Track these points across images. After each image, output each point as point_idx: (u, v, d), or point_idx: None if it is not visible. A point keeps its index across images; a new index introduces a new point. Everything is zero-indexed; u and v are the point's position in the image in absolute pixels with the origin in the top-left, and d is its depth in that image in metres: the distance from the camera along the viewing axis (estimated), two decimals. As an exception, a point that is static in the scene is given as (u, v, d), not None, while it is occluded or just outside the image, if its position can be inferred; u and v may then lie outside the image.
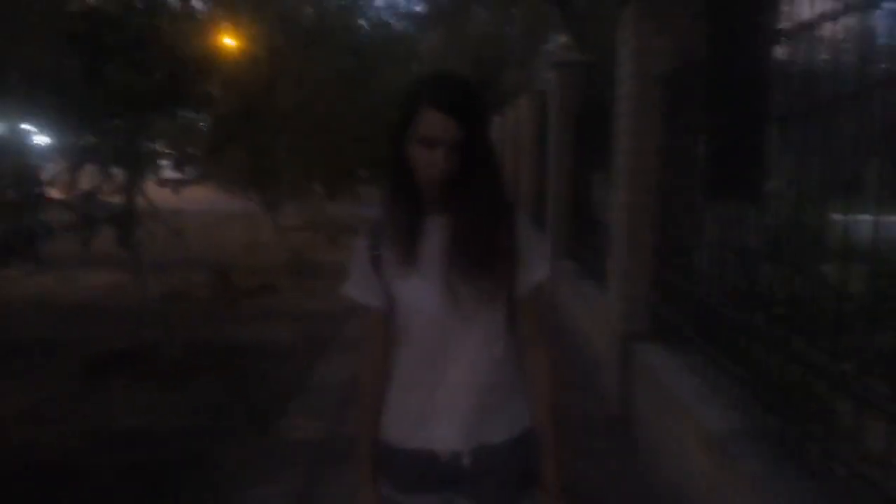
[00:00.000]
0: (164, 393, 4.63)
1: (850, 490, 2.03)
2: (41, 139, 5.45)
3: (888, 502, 1.84)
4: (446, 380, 1.48)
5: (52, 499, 3.27)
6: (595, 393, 4.57)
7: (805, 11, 2.46)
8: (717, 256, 3.21)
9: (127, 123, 4.26)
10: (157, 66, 4.07)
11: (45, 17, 4.10)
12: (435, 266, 1.44)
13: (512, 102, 12.79)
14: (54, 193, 4.70)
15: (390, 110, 11.06)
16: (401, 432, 1.53)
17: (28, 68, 3.43)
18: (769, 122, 2.91)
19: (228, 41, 6.70)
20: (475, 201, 1.42)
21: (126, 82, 3.73)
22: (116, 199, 5.01)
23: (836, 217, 2.23)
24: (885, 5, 2.08)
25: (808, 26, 2.38)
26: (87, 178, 4.97)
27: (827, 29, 2.27)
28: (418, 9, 15.22)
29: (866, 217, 2.04)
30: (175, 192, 5.74)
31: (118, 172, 4.84)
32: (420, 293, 1.46)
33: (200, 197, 9.92)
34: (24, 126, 4.63)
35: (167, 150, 5.64)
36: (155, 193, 5.27)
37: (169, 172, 5.79)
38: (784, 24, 2.74)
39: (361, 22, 10.13)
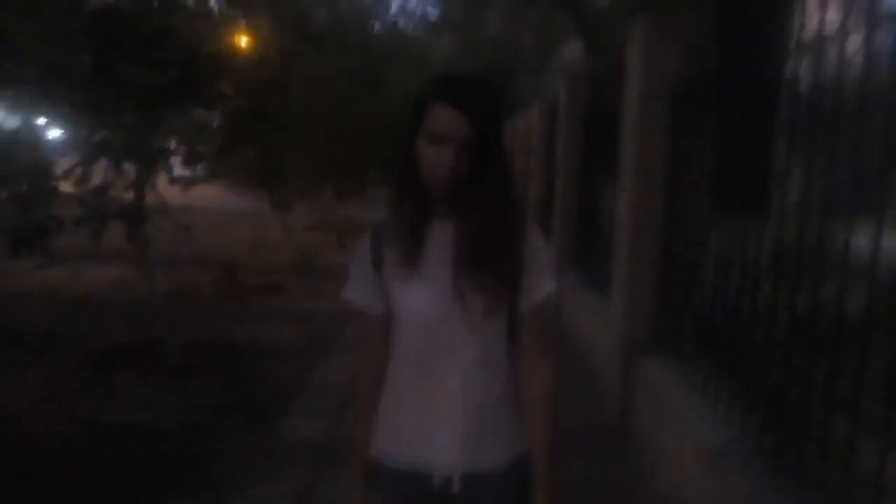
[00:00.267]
0: (167, 389, 4.66)
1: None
2: (54, 133, 5.51)
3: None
4: (441, 392, 1.42)
5: (52, 490, 3.30)
6: (594, 402, 4.57)
7: (819, 24, 2.46)
8: (720, 271, 3.21)
9: (139, 120, 4.31)
10: (169, 64, 4.11)
11: (61, 14, 4.16)
12: (438, 270, 1.39)
13: (523, 109, 12.82)
14: (66, 187, 4.76)
15: (400, 113, 11.10)
16: (392, 449, 1.48)
17: (44, 63, 3.47)
18: (778, 136, 2.90)
19: (242, 41, 6.76)
20: (485, 204, 1.37)
21: (137, 79, 3.77)
22: (127, 195, 5.06)
23: (845, 233, 2.22)
24: None
25: (824, 39, 2.37)
26: (99, 173, 5.03)
27: (843, 41, 2.26)
28: (431, 14, 15.29)
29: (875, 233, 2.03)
30: (185, 189, 5.79)
31: (129, 168, 4.89)
32: (419, 297, 1.41)
33: (210, 195, 9.99)
34: (38, 120, 4.69)
35: (178, 148, 5.69)
36: (165, 190, 5.32)
37: (179, 170, 5.84)
38: (798, 37, 2.73)
39: (374, 24, 10.19)
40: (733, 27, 3.93)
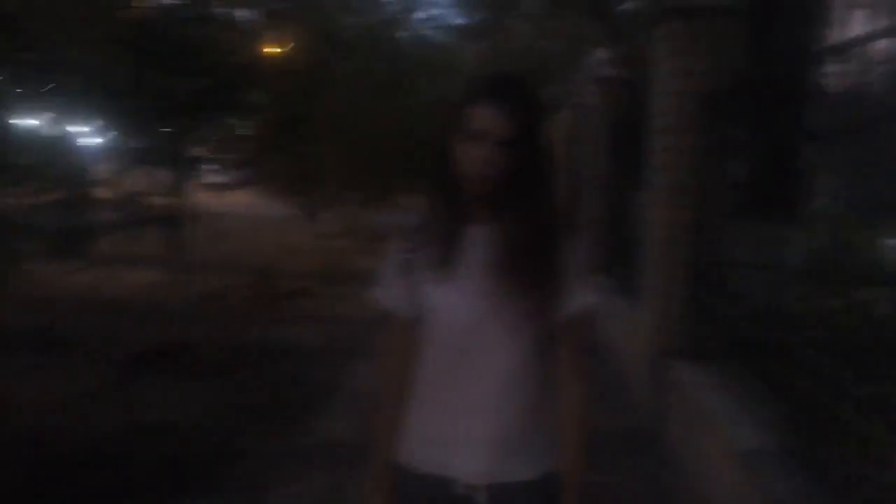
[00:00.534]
0: (201, 390, 4.76)
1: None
2: (91, 140, 5.68)
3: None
4: (469, 402, 1.38)
5: (90, 486, 3.40)
6: (626, 407, 4.56)
7: (853, 31, 2.45)
8: (752, 275, 3.20)
9: (174, 128, 4.43)
10: (203, 74, 4.23)
11: (97, 25, 4.30)
12: (472, 275, 1.35)
13: (551, 116, 12.82)
14: (104, 193, 4.91)
15: (427, 120, 11.22)
16: (418, 454, 1.44)
17: (87, 73, 3.60)
18: (811, 142, 2.89)
19: (274, 51, 6.89)
20: (526, 206, 1.33)
21: (169, 88, 3.89)
22: (163, 201, 5.20)
23: (883, 240, 2.21)
24: None
25: (857, 45, 2.35)
26: (136, 179, 5.18)
27: (873, 47, 2.25)
28: (460, 21, 15.36)
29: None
30: (218, 195, 5.92)
31: (165, 175, 5.03)
32: (452, 301, 1.37)
33: (241, 201, 10.17)
34: (74, 128, 4.84)
35: (213, 155, 5.83)
36: (199, 197, 5.45)
37: (213, 177, 5.98)
38: (829, 44, 2.72)
39: (403, 34, 10.30)
40: (763, 34, 3.91)
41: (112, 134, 4.97)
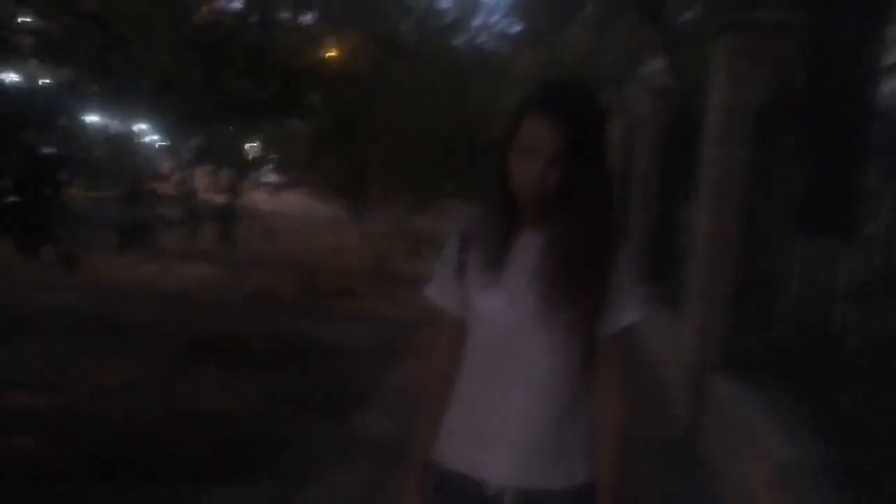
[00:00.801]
0: (248, 380, 4.94)
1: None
2: (153, 138, 5.94)
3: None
4: (505, 405, 1.38)
5: (146, 465, 3.58)
6: (664, 418, 4.54)
7: None
8: (803, 292, 3.16)
9: (238, 128, 4.62)
10: (270, 76, 4.41)
11: (173, 28, 4.53)
12: (520, 282, 1.36)
13: (610, 124, 12.74)
14: (165, 190, 5.13)
15: (479, 126, 11.33)
16: (451, 452, 1.46)
17: (159, 74, 3.81)
18: (868, 158, 2.85)
19: (333, 55, 7.09)
20: (576, 220, 1.32)
21: (241, 90, 4.07)
22: (219, 199, 5.41)
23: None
24: None
25: None
26: (196, 177, 5.40)
27: None
28: (514, 29, 15.44)
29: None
30: (273, 195, 6.12)
31: (225, 173, 5.24)
32: (495, 305, 1.38)
33: (293, 201, 10.43)
34: (139, 126, 5.08)
35: (272, 155, 6.03)
36: (254, 196, 5.66)
37: (268, 177, 6.18)
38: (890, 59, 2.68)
39: (459, 40, 10.42)
40: (822, 48, 3.87)
41: (177, 134, 5.19)
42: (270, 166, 5.81)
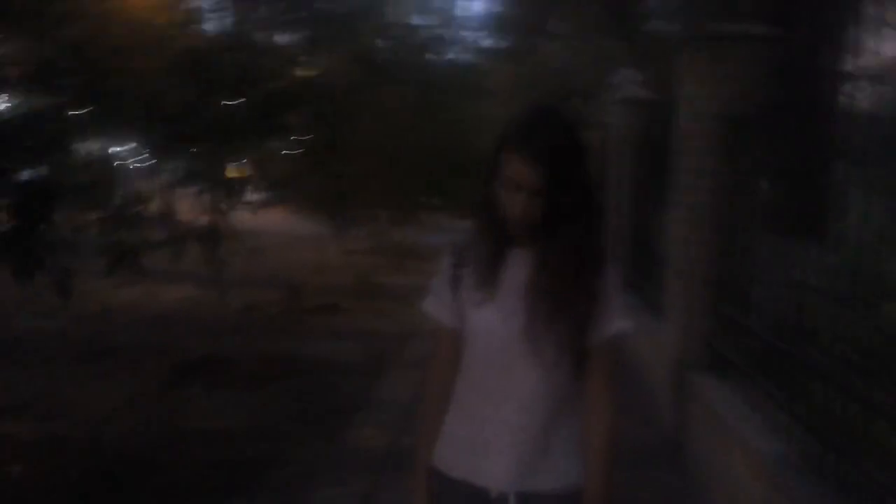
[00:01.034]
0: (239, 399, 4.97)
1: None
2: (132, 161, 5.97)
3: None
4: (499, 415, 1.46)
5: (136, 487, 3.60)
6: (649, 420, 4.65)
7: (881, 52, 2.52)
8: (776, 292, 3.28)
9: (222, 151, 4.68)
10: (253, 98, 4.48)
11: (153, 54, 4.58)
12: (512, 299, 1.44)
13: (590, 150, 12.93)
14: (149, 212, 5.16)
15: (459, 140, 11.47)
16: (451, 459, 1.52)
17: (145, 99, 3.87)
18: (835, 161, 2.95)
19: (310, 74, 7.17)
20: (563, 246, 1.40)
21: (227, 113, 4.14)
22: (203, 219, 5.46)
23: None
24: None
25: (880, 66, 2.42)
26: (179, 198, 5.45)
27: None
28: (490, 44, 15.62)
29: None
30: (254, 213, 6.17)
31: (206, 194, 5.29)
32: (490, 323, 1.45)
33: (274, 219, 10.46)
34: (119, 149, 5.12)
35: (250, 176, 6.09)
36: (236, 215, 5.71)
37: (249, 196, 6.23)
38: (853, 64, 2.78)
39: (435, 57, 10.57)
40: (791, 58, 4.01)
41: (151, 155, 5.23)
42: (254, 186, 5.86)
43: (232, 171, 5.61)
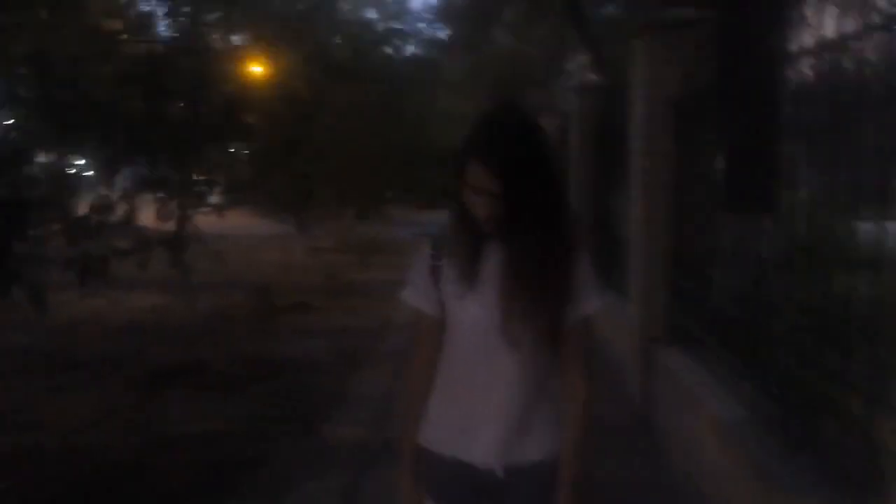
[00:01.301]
0: (215, 403, 4.98)
1: (840, 469, 2.27)
2: (85, 167, 5.90)
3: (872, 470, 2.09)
4: (485, 397, 1.56)
5: (121, 494, 3.62)
6: (618, 393, 4.81)
7: (823, 30, 2.63)
8: (732, 266, 3.44)
9: (183, 156, 4.68)
10: (212, 104, 4.48)
11: (106, 62, 4.54)
12: (491, 290, 1.52)
13: (553, 145, 13.10)
14: (110, 219, 5.12)
15: (417, 132, 11.53)
16: (440, 439, 1.62)
17: (105, 108, 3.85)
18: (781, 137, 3.08)
19: (263, 72, 7.15)
20: (525, 240, 1.48)
21: (185, 120, 4.14)
22: (166, 225, 5.44)
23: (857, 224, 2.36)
24: None
25: (829, 45, 2.53)
26: (142, 205, 5.41)
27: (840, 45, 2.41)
28: (443, 35, 15.70)
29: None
30: (220, 216, 6.15)
31: (172, 199, 5.27)
32: (471, 314, 1.55)
33: (238, 222, 10.38)
34: (79, 160, 5.07)
35: (211, 179, 6.07)
36: (199, 220, 5.69)
37: (211, 199, 6.21)
38: (799, 44, 2.89)
39: (389, 51, 10.60)
40: (735, 41, 4.16)
41: (112, 163, 5.18)
42: (212, 189, 5.84)
43: (195, 175, 5.58)
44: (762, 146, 3.29)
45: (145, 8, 5.56)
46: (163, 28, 5.60)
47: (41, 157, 4.19)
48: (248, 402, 5.01)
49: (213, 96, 4.80)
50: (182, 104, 4.40)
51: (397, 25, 11.38)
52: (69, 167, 4.96)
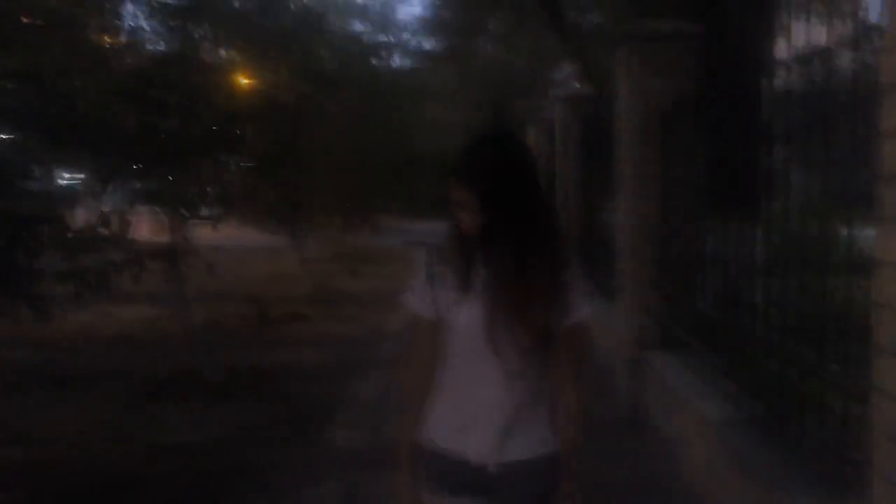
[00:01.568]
0: (212, 413, 5.01)
1: (823, 464, 2.37)
2: (74, 180, 5.91)
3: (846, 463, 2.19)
4: (477, 398, 1.65)
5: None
6: (609, 396, 4.90)
7: (798, 40, 2.71)
8: (717, 271, 3.54)
9: (176, 170, 4.73)
10: (204, 117, 4.54)
11: (96, 76, 4.58)
12: (484, 293, 1.60)
13: (521, 131, 13.27)
14: (105, 233, 5.15)
15: (405, 142, 11.60)
16: (439, 434, 1.70)
17: (99, 123, 3.90)
18: (767, 144, 3.16)
19: (252, 84, 7.22)
20: (503, 251, 1.57)
21: (179, 133, 4.20)
22: (160, 238, 5.48)
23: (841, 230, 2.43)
24: None
25: (810, 55, 2.61)
26: (136, 219, 5.45)
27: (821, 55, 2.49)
28: (429, 46, 15.82)
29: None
30: (215, 228, 6.19)
31: (165, 213, 5.31)
32: (467, 320, 1.62)
33: (231, 234, 10.34)
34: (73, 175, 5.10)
35: (204, 192, 6.10)
36: (192, 232, 5.74)
37: (203, 211, 6.24)
38: (781, 55, 2.97)
39: (377, 62, 10.69)
40: (718, 51, 4.26)
41: (105, 178, 5.19)
42: (210, 201, 5.89)
43: (188, 187, 5.62)
44: (746, 154, 3.37)
45: (136, 23, 5.61)
46: (153, 42, 5.66)
47: (37, 172, 4.23)
48: (246, 410, 5.05)
49: (204, 109, 4.85)
50: (174, 117, 4.44)
51: (384, 38, 11.51)
52: (68, 181, 4.99)
